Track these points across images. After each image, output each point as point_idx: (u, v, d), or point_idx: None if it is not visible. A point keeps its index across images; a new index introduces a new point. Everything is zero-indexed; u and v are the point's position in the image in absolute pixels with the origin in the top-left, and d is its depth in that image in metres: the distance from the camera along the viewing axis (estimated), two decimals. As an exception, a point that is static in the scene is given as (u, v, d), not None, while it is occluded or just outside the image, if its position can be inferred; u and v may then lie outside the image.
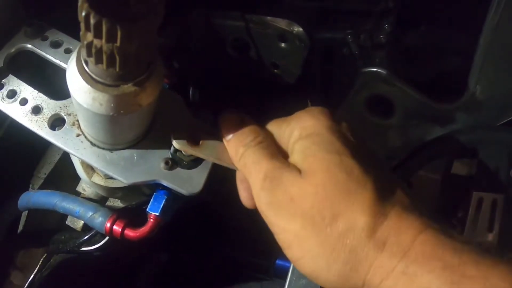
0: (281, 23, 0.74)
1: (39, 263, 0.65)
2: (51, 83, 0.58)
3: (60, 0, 0.63)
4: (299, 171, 0.44)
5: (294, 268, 0.69)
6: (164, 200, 0.53)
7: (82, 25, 0.37)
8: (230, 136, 0.49)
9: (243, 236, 0.84)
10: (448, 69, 0.76)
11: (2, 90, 0.56)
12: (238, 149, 0.48)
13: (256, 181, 0.45)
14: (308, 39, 0.74)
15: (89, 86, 0.42)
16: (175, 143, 0.50)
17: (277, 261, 0.80)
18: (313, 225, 0.42)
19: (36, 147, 0.70)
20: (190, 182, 0.52)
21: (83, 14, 0.36)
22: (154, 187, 0.55)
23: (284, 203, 0.43)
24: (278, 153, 0.47)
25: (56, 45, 0.58)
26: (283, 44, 0.76)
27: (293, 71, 0.80)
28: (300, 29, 0.74)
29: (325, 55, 0.77)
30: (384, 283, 0.41)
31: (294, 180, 0.44)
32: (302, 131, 0.46)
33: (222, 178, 0.56)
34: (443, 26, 0.75)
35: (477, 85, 0.67)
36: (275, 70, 0.81)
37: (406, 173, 0.73)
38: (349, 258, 0.42)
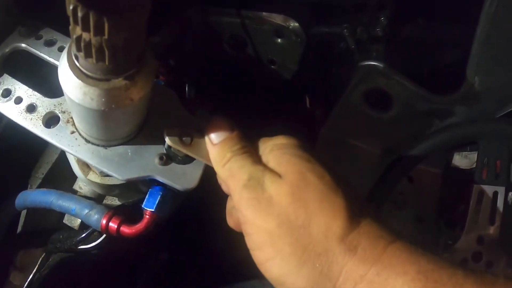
0: (277, 19, 0.74)
1: (38, 263, 0.65)
2: (46, 81, 0.58)
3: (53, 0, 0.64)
4: (278, 174, 0.46)
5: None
6: (159, 196, 0.53)
7: (71, 19, 0.37)
8: (218, 140, 0.50)
9: (243, 236, 0.83)
10: (446, 61, 0.76)
11: (-4, 90, 0.56)
12: (225, 154, 0.49)
13: (240, 182, 0.46)
14: (304, 34, 0.74)
15: (80, 81, 0.42)
16: (167, 140, 0.50)
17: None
18: (288, 224, 0.43)
19: (34, 147, 0.70)
20: (185, 177, 0.52)
21: (71, 7, 0.36)
22: (151, 184, 0.55)
23: (264, 201, 0.44)
24: (260, 161, 0.48)
25: (50, 43, 0.59)
26: (279, 40, 0.76)
27: (290, 66, 0.79)
28: (296, 24, 0.73)
29: (322, 50, 0.77)
30: None
31: (274, 181, 0.45)
32: (276, 144, 0.49)
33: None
34: (441, 18, 0.75)
35: (476, 77, 0.66)
36: (272, 66, 0.81)
37: (405, 167, 0.72)
38: (319, 261, 0.42)
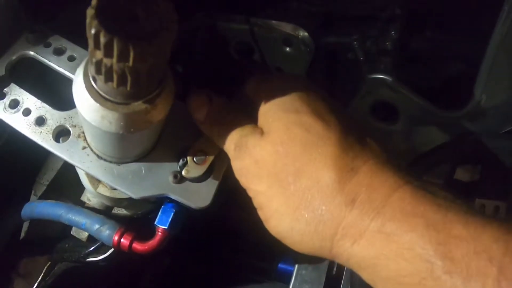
0: (286, 27, 0.73)
1: (43, 271, 0.64)
2: (54, 91, 0.57)
3: (63, 5, 0.62)
4: (262, 133, 0.44)
5: (297, 274, 0.69)
6: (172, 213, 0.53)
7: (91, 42, 0.35)
8: (201, 117, 0.49)
9: (245, 239, 0.84)
10: (452, 75, 0.76)
11: (4, 100, 0.54)
12: (213, 129, 0.49)
13: (230, 153, 0.46)
14: (313, 43, 0.73)
15: (98, 104, 0.41)
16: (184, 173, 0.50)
17: (279, 265, 0.80)
18: (278, 183, 0.42)
19: (39, 154, 0.68)
20: (199, 196, 0.51)
21: (93, 32, 0.34)
22: (162, 198, 0.55)
23: (251, 167, 0.44)
24: (247, 120, 0.47)
25: (59, 52, 0.57)
26: (287, 49, 0.76)
27: (297, 75, 0.79)
28: (306, 33, 0.73)
29: (330, 60, 0.77)
30: (357, 245, 0.37)
31: (256, 144, 0.44)
32: (267, 95, 0.46)
33: (228, 191, 0.55)
34: (448, 32, 0.75)
35: (483, 94, 0.67)
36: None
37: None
38: (312, 217, 0.39)
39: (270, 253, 0.80)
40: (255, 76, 0.50)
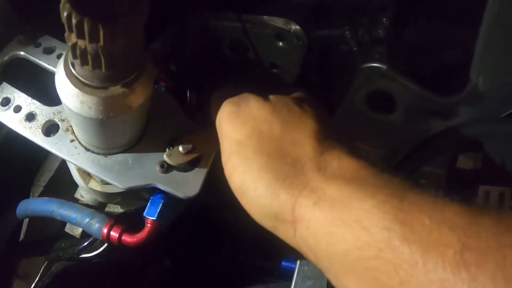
0: (278, 22, 0.73)
1: (41, 271, 0.65)
2: (45, 89, 0.58)
3: (54, 6, 0.63)
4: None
5: (299, 270, 0.68)
6: (161, 204, 0.52)
7: (66, 26, 0.37)
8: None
9: (247, 238, 0.83)
10: (448, 62, 0.75)
11: (-4, 99, 0.56)
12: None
13: (225, 104, 0.47)
14: (305, 37, 0.73)
15: (77, 90, 0.42)
16: (166, 158, 0.50)
17: (282, 263, 0.79)
18: (258, 134, 0.43)
19: (36, 155, 0.69)
20: (187, 185, 0.51)
21: (65, 14, 0.35)
22: (153, 191, 0.55)
23: (242, 114, 0.45)
24: None
25: (49, 51, 0.58)
26: (280, 43, 0.75)
27: (292, 70, 0.79)
28: (298, 27, 0.72)
29: (323, 52, 0.76)
30: (318, 208, 0.37)
31: (258, 99, 0.46)
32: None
33: (223, 180, 0.55)
34: (442, 19, 0.74)
35: (479, 77, 0.65)
36: (274, 70, 0.80)
37: (410, 169, 0.71)
38: (285, 169, 0.40)
39: (272, 252, 0.79)
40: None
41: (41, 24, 0.60)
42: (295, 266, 0.68)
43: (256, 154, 0.42)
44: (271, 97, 0.48)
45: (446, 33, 0.73)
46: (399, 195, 0.34)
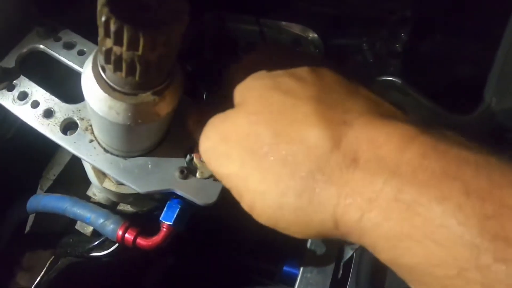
0: (296, 29, 0.73)
1: (46, 265, 0.64)
2: (63, 85, 0.57)
3: (73, 1, 0.62)
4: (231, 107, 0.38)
5: (302, 277, 0.68)
6: (178, 209, 0.52)
7: (101, 31, 0.35)
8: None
9: (250, 241, 0.83)
10: (462, 78, 0.76)
11: (13, 92, 0.54)
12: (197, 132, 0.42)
13: (198, 140, 0.40)
14: (322, 45, 0.73)
15: (106, 94, 0.41)
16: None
17: (284, 267, 0.79)
18: (251, 157, 0.34)
19: (46, 148, 0.69)
20: (205, 192, 0.51)
21: (103, 19, 0.34)
22: (168, 195, 0.54)
23: (218, 146, 0.37)
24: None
25: (69, 46, 0.57)
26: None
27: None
28: (315, 35, 0.73)
29: (338, 61, 0.76)
30: (367, 219, 0.28)
31: (224, 119, 0.37)
32: (244, 73, 0.40)
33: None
34: (458, 35, 0.74)
35: (493, 97, 0.66)
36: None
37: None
38: (303, 187, 0.31)
39: (275, 256, 0.79)
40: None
41: (61, 17, 0.60)
42: (298, 272, 0.69)
43: (262, 183, 0.33)
44: (238, 98, 0.38)
45: (462, 50, 0.74)
46: (479, 191, 0.25)
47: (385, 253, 0.28)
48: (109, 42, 0.36)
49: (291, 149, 0.32)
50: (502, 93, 0.66)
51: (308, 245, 0.70)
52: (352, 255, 0.69)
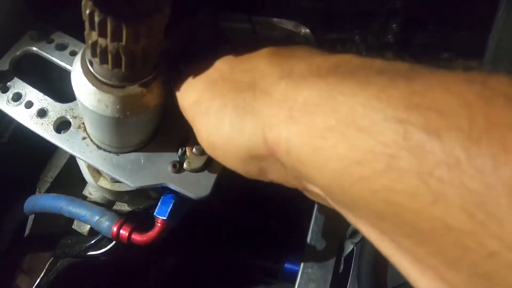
0: (288, 25, 0.74)
1: (46, 267, 0.64)
2: (57, 86, 0.58)
3: (66, 2, 0.63)
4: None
5: (303, 272, 0.68)
6: (171, 204, 0.52)
7: (87, 24, 0.37)
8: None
9: (251, 239, 0.83)
10: (455, 69, 0.76)
11: (7, 93, 0.55)
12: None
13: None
14: (315, 40, 0.73)
15: (94, 88, 0.42)
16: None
17: (285, 265, 0.79)
18: (210, 85, 0.37)
19: (43, 151, 0.69)
20: (198, 186, 0.51)
21: (87, 12, 0.35)
22: (162, 190, 0.55)
23: (187, 78, 0.41)
24: None
25: (61, 47, 0.58)
26: (290, 46, 0.76)
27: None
28: (307, 30, 0.73)
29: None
30: (290, 122, 0.27)
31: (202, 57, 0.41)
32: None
33: (230, 184, 0.55)
34: (450, 26, 0.74)
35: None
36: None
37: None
38: (244, 97, 0.32)
39: (276, 254, 0.79)
40: None
41: (54, 21, 0.61)
42: (298, 268, 0.69)
43: (211, 101, 0.35)
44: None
45: (454, 40, 0.74)
46: (406, 76, 0.23)
47: (312, 166, 0.25)
48: (94, 35, 0.37)
49: (245, 68, 0.35)
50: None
51: (308, 240, 0.70)
52: (352, 249, 0.69)
